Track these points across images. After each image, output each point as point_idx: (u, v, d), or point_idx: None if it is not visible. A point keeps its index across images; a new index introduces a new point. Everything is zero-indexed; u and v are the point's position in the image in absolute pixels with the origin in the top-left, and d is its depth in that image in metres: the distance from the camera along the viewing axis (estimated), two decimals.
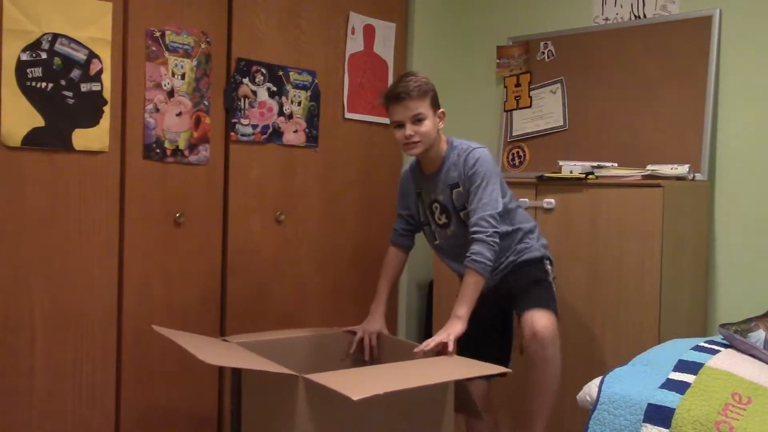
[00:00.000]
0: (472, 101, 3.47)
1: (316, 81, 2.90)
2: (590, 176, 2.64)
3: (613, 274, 2.54)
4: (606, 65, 3.00)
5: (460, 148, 2.31)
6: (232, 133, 2.65)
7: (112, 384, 2.39)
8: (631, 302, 2.49)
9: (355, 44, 3.05)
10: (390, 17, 3.19)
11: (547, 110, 3.19)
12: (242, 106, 2.67)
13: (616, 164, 2.74)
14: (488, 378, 2.35)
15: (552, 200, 2.69)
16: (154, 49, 2.42)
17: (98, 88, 2.30)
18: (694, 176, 2.64)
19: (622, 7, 3.01)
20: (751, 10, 2.68)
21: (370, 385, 1.74)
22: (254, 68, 2.70)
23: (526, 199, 2.72)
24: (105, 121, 2.32)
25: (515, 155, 3.27)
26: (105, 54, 2.31)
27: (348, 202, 3.04)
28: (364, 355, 2.39)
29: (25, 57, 2.15)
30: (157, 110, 2.44)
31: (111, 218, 2.36)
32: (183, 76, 2.50)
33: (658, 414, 1.73)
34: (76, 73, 2.25)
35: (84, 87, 2.27)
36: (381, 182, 3.12)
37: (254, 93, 2.70)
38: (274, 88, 2.76)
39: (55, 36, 2.21)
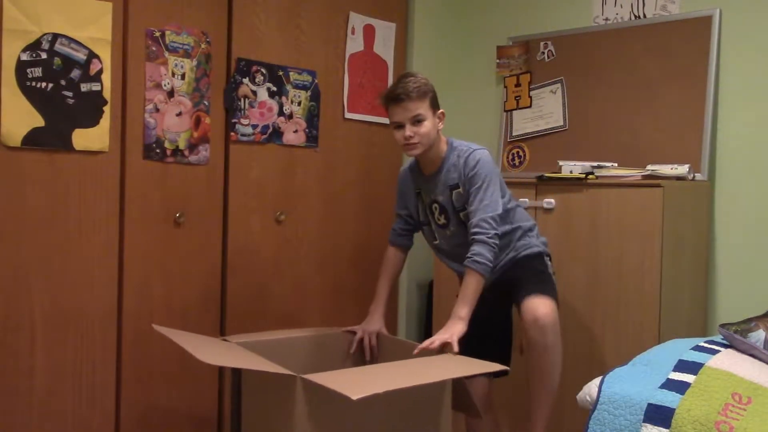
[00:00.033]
0: (472, 101, 3.47)
1: (316, 81, 2.90)
2: (590, 176, 2.64)
3: (613, 274, 2.54)
4: (606, 65, 3.00)
5: (460, 149, 2.31)
6: (232, 133, 2.65)
7: (112, 384, 2.39)
8: (631, 302, 2.49)
9: (355, 44, 3.05)
10: (390, 17, 3.19)
11: (547, 110, 3.19)
12: (242, 106, 2.67)
13: (616, 164, 2.74)
14: (489, 377, 2.36)
15: (552, 200, 2.69)
16: (154, 49, 2.42)
17: (98, 88, 2.30)
18: (694, 176, 2.64)
19: (622, 7, 3.01)
20: (751, 10, 2.68)
21: (369, 384, 1.74)
22: (254, 68, 2.70)
23: (526, 199, 2.72)
24: (105, 121, 2.32)
25: (515, 155, 3.27)
26: (105, 54, 2.31)
27: (348, 202, 3.04)
28: (364, 356, 2.39)
29: (25, 57, 2.15)
30: (157, 110, 2.44)
31: (111, 218, 2.36)
32: (183, 76, 2.50)
33: (658, 414, 1.73)
34: (76, 73, 2.25)
35: (84, 87, 2.27)
36: (381, 182, 3.12)
37: (254, 93, 2.70)
38: (274, 88, 2.76)
39: (55, 36, 2.21)
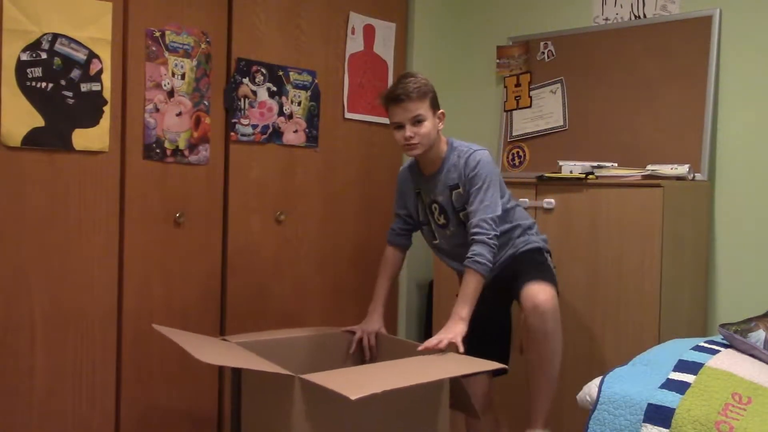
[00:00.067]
0: (472, 101, 3.47)
1: (316, 81, 2.90)
2: (590, 176, 2.64)
3: (613, 274, 2.54)
4: (606, 65, 3.00)
5: (460, 150, 2.31)
6: (232, 133, 2.65)
7: (112, 384, 2.39)
8: (631, 302, 2.49)
9: (355, 44, 3.05)
10: (390, 17, 3.19)
11: (547, 110, 3.19)
12: (242, 106, 2.67)
13: (616, 164, 2.74)
14: (490, 376, 2.36)
15: (552, 200, 2.69)
16: (154, 49, 2.42)
17: (98, 88, 2.30)
18: (694, 176, 2.64)
19: (622, 7, 3.01)
20: (751, 10, 2.68)
21: (368, 384, 1.74)
22: (254, 68, 2.70)
23: (526, 199, 2.72)
24: (105, 121, 2.32)
25: (515, 155, 3.27)
26: (105, 54, 2.31)
27: (348, 202, 3.04)
28: (364, 355, 2.40)
29: (25, 57, 2.15)
30: (157, 110, 2.44)
31: (111, 218, 2.36)
32: (183, 76, 2.50)
33: (658, 414, 1.73)
34: (76, 73, 2.25)
35: (84, 87, 2.27)
36: (381, 182, 3.12)
37: (254, 93, 2.70)
38: (274, 88, 2.76)
39: (55, 36, 2.21)
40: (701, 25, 2.76)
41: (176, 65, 2.48)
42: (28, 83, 2.16)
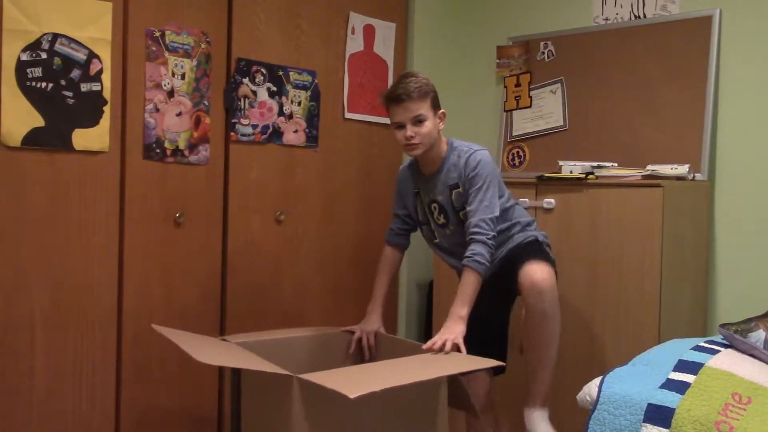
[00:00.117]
0: (472, 101, 3.47)
1: (316, 81, 2.90)
2: (590, 176, 2.64)
3: (613, 274, 2.54)
4: (606, 65, 3.00)
5: (460, 150, 2.31)
6: (232, 133, 2.65)
7: (112, 384, 2.39)
8: (631, 302, 2.49)
9: (355, 44, 3.05)
10: (390, 17, 3.19)
11: (547, 110, 3.19)
12: (242, 106, 2.67)
13: (616, 164, 2.74)
14: (490, 375, 2.36)
15: (552, 200, 2.69)
16: (154, 49, 2.42)
17: (98, 88, 2.30)
18: (694, 176, 2.64)
19: (622, 7, 3.01)
20: (751, 10, 2.68)
21: (367, 382, 1.74)
22: (254, 68, 2.70)
23: (526, 199, 2.72)
24: (105, 121, 2.32)
25: (515, 155, 3.27)
26: (105, 54, 2.31)
27: (348, 202, 3.04)
28: (363, 355, 2.40)
29: (25, 57, 2.15)
30: (157, 110, 2.44)
31: (111, 218, 2.36)
32: (183, 76, 2.50)
33: (658, 414, 1.73)
34: (76, 73, 2.25)
35: (84, 87, 2.27)
36: (381, 182, 3.12)
37: (254, 93, 2.70)
38: (274, 88, 2.76)
39: (55, 36, 2.21)
40: (701, 25, 2.76)
41: (176, 65, 2.48)
42: (28, 83, 2.16)
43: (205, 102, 2.57)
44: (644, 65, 2.89)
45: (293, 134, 2.83)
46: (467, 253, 2.20)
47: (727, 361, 1.91)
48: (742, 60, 2.69)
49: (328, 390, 1.67)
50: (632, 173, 2.60)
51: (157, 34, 2.43)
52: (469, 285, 2.18)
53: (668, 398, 1.76)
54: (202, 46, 2.55)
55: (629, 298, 2.50)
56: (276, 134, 2.78)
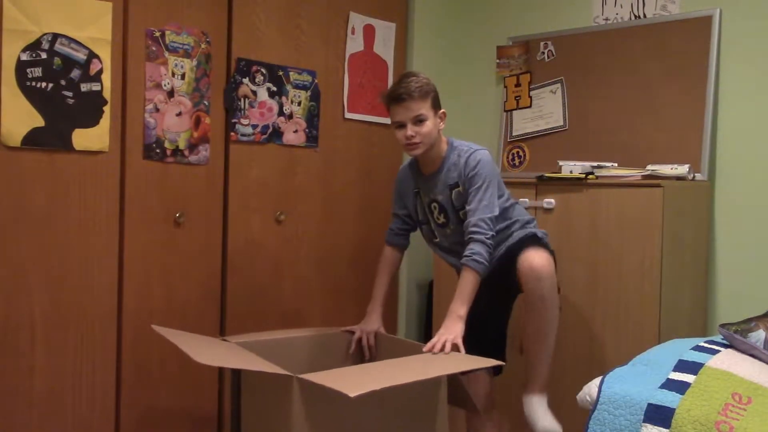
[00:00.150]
0: (472, 101, 3.47)
1: (316, 81, 2.90)
2: (590, 176, 2.64)
3: (613, 274, 2.54)
4: (606, 65, 3.00)
5: (460, 149, 2.31)
6: (232, 133, 2.65)
7: (112, 384, 2.39)
8: (631, 302, 2.49)
9: (355, 44, 3.05)
10: (390, 17, 3.19)
11: (547, 110, 3.19)
12: (242, 106, 2.67)
13: (616, 164, 2.74)
14: (490, 374, 2.36)
15: (552, 200, 2.69)
16: (154, 49, 2.42)
17: (98, 88, 2.30)
18: (694, 176, 2.64)
19: (622, 7, 3.01)
20: (751, 10, 2.68)
21: (367, 381, 1.74)
22: (254, 68, 2.70)
23: (526, 199, 2.72)
24: (105, 121, 2.32)
25: (515, 155, 3.27)
26: (105, 54, 2.31)
27: (348, 202, 3.04)
28: (363, 355, 2.40)
29: (25, 57, 2.15)
30: (157, 110, 2.44)
31: (111, 218, 2.36)
32: (183, 76, 2.50)
33: (658, 414, 1.73)
34: (76, 73, 2.25)
35: (84, 87, 2.27)
36: (381, 182, 3.12)
37: (254, 93, 2.70)
38: (274, 88, 2.76)
39: (55, 36, 2.21)
40: (701, 25, 2.76)
41: (176, 65, 2.48)
42: (28, 83, 2.16)
43: (205, 102, 2.57)
44: (644, 65, 2.89)
45: (293, 134, 2.83)
46: (466, 253, 2.20)
47: (727, 361, 1.91)
48: (742, 60, 2.70)
49: (328, 390, 1.67)
50: (632, 173, 2.60)
51: (157, 34, 2.43)
52: (467, 284, 2.18)
53: (668, 398, 1.76)
54: (202, 46, 2.55)
55: (629, 298, 2.50)
56: (276, 134, 2.78)
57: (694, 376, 1.82)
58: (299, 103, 2.84)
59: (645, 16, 2.94)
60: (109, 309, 2.37)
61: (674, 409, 1.72)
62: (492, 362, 1.99)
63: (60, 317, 2.26)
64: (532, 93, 3.24)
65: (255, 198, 2.73)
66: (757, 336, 2.01)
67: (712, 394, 1.74)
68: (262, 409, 2.01)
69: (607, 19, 3.05)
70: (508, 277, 2.26)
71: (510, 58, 3.32)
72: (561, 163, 2.74)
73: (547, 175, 2.72)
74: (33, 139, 2.18)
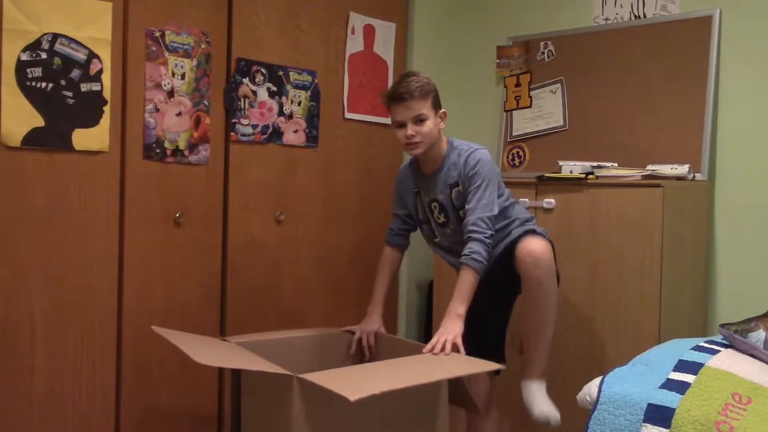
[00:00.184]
0: (472, 101, 3.47)
1: (316, 81, 2.90)
2: (590, 176, 2.64)
3: (613, 274, 2.54)
4: (606, 65, 3.00)
5: (460, 149, 2.31)
6: (232, 133, 2.65)
7: (112, 384, 2.39)
8: (631, 302, 2.49)
9: (355, 44, 3.05)
10: (390, 17, 3.19)
11: (547, 110, 3.19)
12: (242, 106, 2.67)
13: (616, 164, 2.74)
14: (491, 375, 2.36)
15: (552, 200, 2.69)
16: (154, 49, 2.42)
17: (98, 88, 2.30)
18: (694, 176, 2.64)
19: (622, 7, 3.01)
20: (751, 10, 2.68)
21: (367, 384, 1.74)
22: (254, 68, 2.70)
23: (526, 199, 2.72)
24: (105, 121, 2.32)
25: (515, 155, 3.27)
26: (105, 54, 2.31)
27: (348, 202, 3.04)
28: (363, 355, 2.40)
29: (25, 57, 2.15)
30: (157, 110, 2.44)
31: (111, 218, 2.36)
32: (183, 76, 2.50)
33: (658, 414, 1.73)
34: (76, 73, 2.25)
35: (84, 87, 2.27)
36: (381, 182, 3.12)
37: (254, 93, 2.70)
38: (274, 88, 2.76)
39: (55, 36, 2.21)
40: (701, 25, 2.76)
41: (176, 65, 2.48)
42: (28, 83, 2.16)
43: (205, 102, 2.57)
44: (644, 65, 2.89)
45: (293, 134, 2.83)
46: (464, 251, 2.20)
47: (727, 361, 1.91)
48: (742, 60, 2.70)
49: (328, 391, 1.67)
50: (632, 173, 2.60)
51: (157, 34, 2.43)
52: (466, 283, 2.18)
53: (668, 398, 1.76)
54: (202, 46, 2.55)
55: (629, 298, 2.50)
56: (276, 134, 2.78)
57: (694, 376, 1.82)
58: (299, 103, 2.84)
59: (645, 16, 2.94)
60: (109, 309, 2.37)
61: (674, 409, 1.72)
62: (492, 366, 1.99)
63: (60, 317, 2.26)
64: (532, 93, 3.24)
65: (255, 198, 2.73)
66: (757, 336, 2.01)
67: (712, 394, 1.74)
68: (262, 409, 2.01)
69: (607, 19, 3.05)
70: (507, 275, 2.26)
71: (510, 58, 3.32)
72: (561, 163, 2.74)
73: (547, 175, 2.72)
74: (33, 139, 2.18)
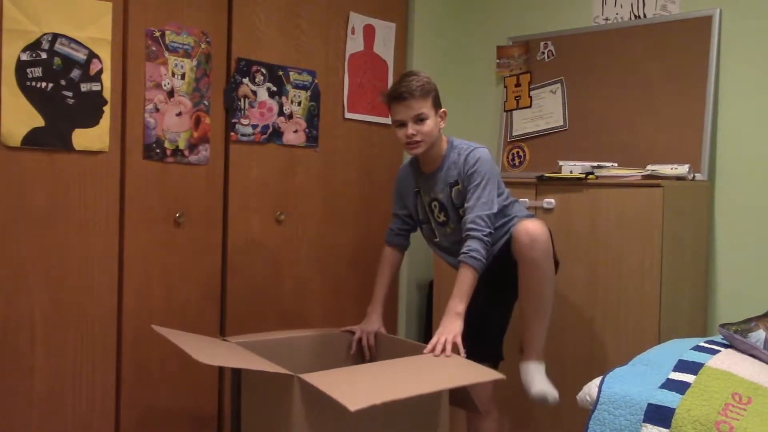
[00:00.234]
0: (472, 101, 3.47)
1: (316, 81, 2.90)
2: (590, 176, 2.64)
3: (613, 274, 2.54)
4: (606, 65, 3.00)
5: (460, 147, 2.32)
6: (232, 133, 2.65)
7: (112, 384, 2.39)
8: (631, 302, 2.49)
9: (355, 44, 3.05)
10: (390, 17, 3.19)
11: (547, 110, 3.19)
12: (242, 106, 2.67)
13: (616, 164, 2.74)
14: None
15: (552, 200, 2.69)
16: (154, 49, 2.42)
17: (98, 88, 2.30)
18: (694, 176, 2.64)
19: (622, 7, 3.01)
20: (751, 10, 2.68)
21: (368, 392, 1.73)
22: (254, 68, 2.70)
23: (526, 199, 2.72)
24: (105, 121, 2.32)
25: (515, 155, 3.27)
26: (105, 54, 2.31)
27: (348, 202, 3.04)
28: (364, 355, 2.40)
29: (25, 57, 2.15)
30: (157, 110, 2.44)
31: (111, 218, 2.36)
32: (183, 76, 2.50)
33: (658, 414, 1.73)
34: (76, 73, 2.25)
35: (84, 87, 2.27)
36: (381, 182, 3.12)
37: (254, 93, 2.70)
38: (274, 88, 2.76)
39: (55, 36, 2.21)
40: (701, 25, 2.76)
41: (176, 65, 2.48)
42: (28, 83, 2.16)
43: (205, 102, 2.57)
44: (644, 65, 2.89)
45: (293, 134, 2.83)
46: (463, 249, 2.20)
47: (727, 361, 1.91)
48: (742, 60, 2.70)
49: (329, 398, 1.67)
50: (632, 173, 2.60)
51: (157, 34, 2.43)
52: (465, 281, 2.18)
53: (668, 398, 1.76)
54: (202, 46, 2.55)
55: (629, 298, 2.50)
56: (276, 134, 2.78)
57: (694, 376, 1.82)
58: (299, 103, 2.84)
59: (645, 16, 2.94)
60: (109, 309, 2.37)
61: (674, 409, 1.72)
62: (495, 375, 1.99)
63: (60, 317, 2.26)
64: (532, 93, 3.24)
65: (255, 198, 2.73)
66: (757, 336, 2.01)
67: (712, 394, 1.74)
68: (263, 409, 2.01)
69: (607, 19, 3.05)
70: (506, 274, 2.27)
71: (510, 58, 3.32)
72: (561, 163, 2.74)
73: (547, 175, 2.72)
74: (33, 139, 2.18)
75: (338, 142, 2.99)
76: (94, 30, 2.28)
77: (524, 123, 3.26)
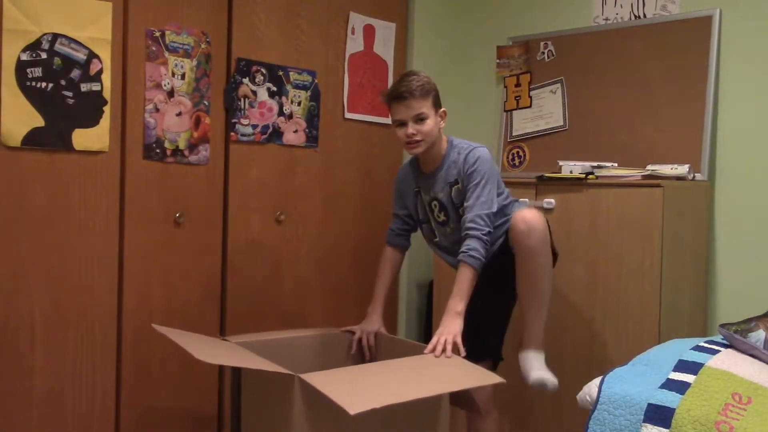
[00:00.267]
0: (472, 101, 3.47)
1: (316, 81, 2.90)
2: (590, 176, 2.64)
3: (613, 274, 2.54)
4: (606, 65, 3.00)
5: (460, 147, 2.32)
6: (232, 133, 2.65)
7: (112, 384, 2.39)
8: (631, 302, 2.49)
9: (355, 44, 3.05)
10: (390, 17, 3.19)
11: (547, 110, 3.19)
12: (242, 106, 2.67)
13: (616, 164, 2.74)
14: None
15: (552, 200, 2.69)
16: (154, 49, 2.42)
17: (98, 88, 2.30)
18: (694, 176, 2.64)
19: (622, 7, 3.01)
20: (751, 10, 2.68)
21: (368, 395, 1.73)
22: (254, 68, 2.70)
23: (526, 199, 2.72)
24: (105, 121, 2.32)
25: (515, 155, 3.27)
26: (105, 54, 2.31)
27: (348, 202, 3.04)
28: (364, 355, 2.40)
29: (25, 57, 2.15)
30: (157, 110, 2.44)
31: (111, 218, 2.36)
32: (183, 76, 2.50)
33: (658, 414, 1.73)
34: (76, 73, 2.25)
35: (84, 87, 2.27)
36: (381, 182, 3.12)
37: (254, 93, 2.70)
38: (274, 88, 2.76)
39: (55, 36, 2.21)
40: (701, 25, 2.76)
41: (176, 65, 2.48)
42: (28, 83, 2.16)
43: (205, 102, 2.57)
44: (644, 65, 2.89)
45: (293, 134, 2.83)
46: (462, 248, 2.20)
47: (727, 361, 1.91)
48: (742, 60, 2.70)
49: (328, 400, 1.67)
50: (632, 173, 2.60)
51: (157, 34, 2.43)
52: (464, 280, 2.18)
53: (668, 398, 1.76)
54: (202, 46, 2.55)
55: (629, 298, 2.50)
56: (276, 134, 2.78)
57: (694, 376, 1.82)
58: (299, 103, 2.84)
59: (645, 16, 2.94)
60: (109, 309, 2.37)
61: (674, 409, 1.72)
62: (495, 379, 1.98)
63: (60, 317, 2.26)
64: (532, 93, 3.24)
65: (255, 198, 2.73)
66: (757, 336, 2.01)
67: (712, 394, 1.74)
68: (263, 409, 2.01)
69: (607, 19, 3.05)
70: (505, 273, 2.27)
71: (510, 58, 3.32)
72: (561, 163, 2.74)
73: (547, 175, 2.72)
74: (33, 139, 2.18)
75: (338, 142, 2.99)
76: (94, 30, 2.28)
77: (524, 123, 3.26)
